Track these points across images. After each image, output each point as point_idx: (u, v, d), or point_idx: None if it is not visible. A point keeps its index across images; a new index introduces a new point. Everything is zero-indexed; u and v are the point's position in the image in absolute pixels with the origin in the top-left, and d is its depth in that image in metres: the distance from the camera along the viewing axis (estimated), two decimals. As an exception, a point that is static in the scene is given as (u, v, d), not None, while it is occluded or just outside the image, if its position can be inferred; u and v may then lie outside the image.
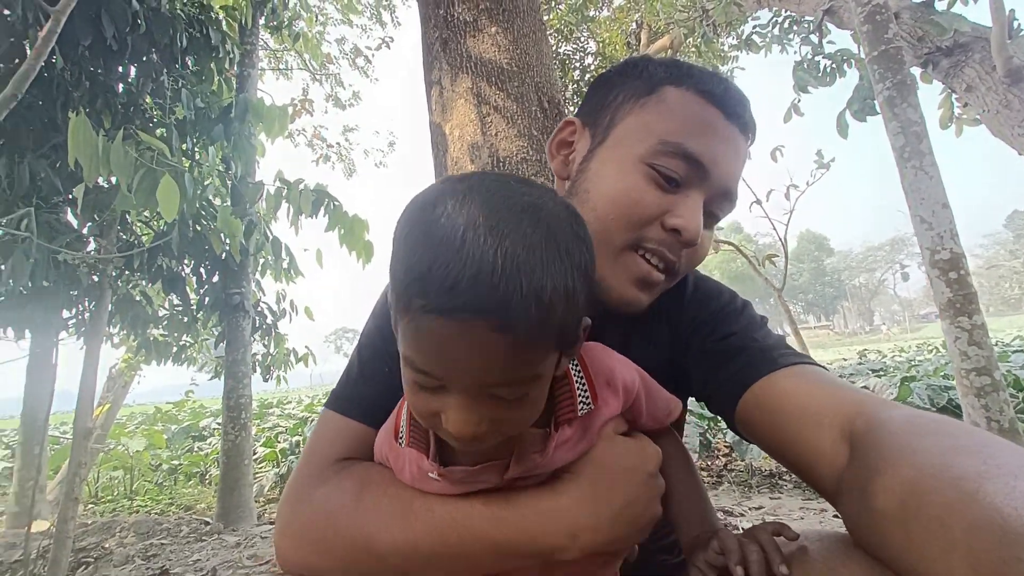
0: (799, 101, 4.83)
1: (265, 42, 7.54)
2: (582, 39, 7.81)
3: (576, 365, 0.53)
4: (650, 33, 7.40)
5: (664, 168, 0.60)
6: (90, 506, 5.24)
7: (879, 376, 6.47)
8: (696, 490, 0.61)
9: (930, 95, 4.06)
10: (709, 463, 4.51)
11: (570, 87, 7.38)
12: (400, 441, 0.53)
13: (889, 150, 2.67)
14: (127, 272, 3.79)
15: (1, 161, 2.11)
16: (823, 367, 0.60)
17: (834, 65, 4.64)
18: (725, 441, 4.48)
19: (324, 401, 0.67)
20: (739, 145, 0.64)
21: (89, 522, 3.79)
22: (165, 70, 2.64)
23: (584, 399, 0.51)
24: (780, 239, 3.34)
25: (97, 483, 5.81)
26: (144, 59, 2.53)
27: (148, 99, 2.84)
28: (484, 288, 0.36)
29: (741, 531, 0.51)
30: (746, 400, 0.59)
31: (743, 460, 4.06)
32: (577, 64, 7.82)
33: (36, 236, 1.87)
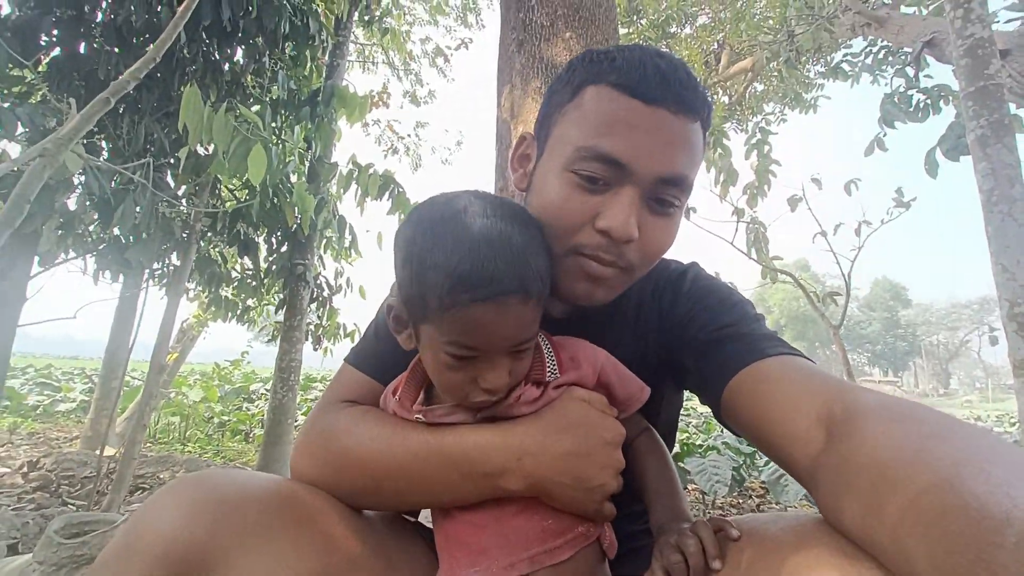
0: (884, 135, 4.56)
1: (356, 36, 8.01)
2: (660, 55, 7.72)
3: (546, 343, 0.64)
4: (731, 54, 7.23)
5: (584, 171, 0.59)
6: (148, 444, 5.74)
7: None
8: (669, 481, 0.65)
9: (1037, 140, 3.72)
10: (741, 501, 4.32)
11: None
12: (396, 398, 0.66)
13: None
14: (209, 233, 4.17)
15: (125, 120, 2.44)
16: (812, 361, 0.60)
17: (928, 101, 4.36)
18: (761, 482, 4.28)
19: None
20: (671, 127, 0.58)
21: (149, 455, 4.18)
22: (268, 52, 2.91)
23: (552, 368, 0.62)
24: (844, 275, 3.18)
25: (157, 425, 6.36)
26: (251, 42, 2.81)
27: (249, 78, 3.14)
28: (512, 274, 0.52)
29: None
30: (731, 388, 0.59)
31: (778, 502, 3.86)
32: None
33: (150, 185, 2.15)
